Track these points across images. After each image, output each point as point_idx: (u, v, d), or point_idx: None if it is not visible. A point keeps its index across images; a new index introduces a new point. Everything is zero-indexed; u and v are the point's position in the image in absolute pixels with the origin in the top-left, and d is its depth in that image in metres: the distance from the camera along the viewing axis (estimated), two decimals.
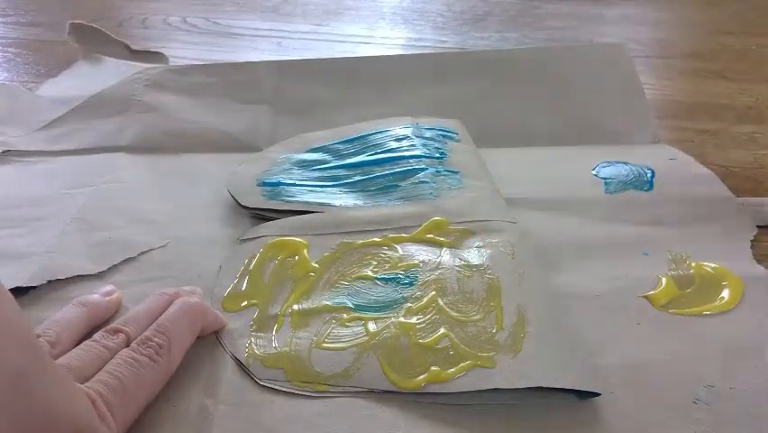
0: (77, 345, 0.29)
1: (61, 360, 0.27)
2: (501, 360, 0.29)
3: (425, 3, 0.87)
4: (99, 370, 0.27)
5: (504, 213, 0.40)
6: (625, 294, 0.35)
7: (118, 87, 0.54)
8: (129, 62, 0.61)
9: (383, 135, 0.47)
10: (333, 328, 0.32)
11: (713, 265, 0.37)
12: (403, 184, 0.42)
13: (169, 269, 0.37)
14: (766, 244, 0.39)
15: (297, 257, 0.37)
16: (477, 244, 0.37)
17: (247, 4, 0.86)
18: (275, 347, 0.31)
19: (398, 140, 0.46)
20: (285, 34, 0.76)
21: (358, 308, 0.33)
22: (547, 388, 0.28)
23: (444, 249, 0.37)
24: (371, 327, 0.32)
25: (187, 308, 0.31)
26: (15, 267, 0.36)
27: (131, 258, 0.38)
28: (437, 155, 0.45)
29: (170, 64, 0.63)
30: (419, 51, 0.70)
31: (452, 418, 0.28)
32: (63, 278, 0.36)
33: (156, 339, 0.28)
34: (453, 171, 0.43)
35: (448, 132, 0.48)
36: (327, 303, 0.34)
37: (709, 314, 0.34)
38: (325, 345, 0.31)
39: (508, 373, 0.28)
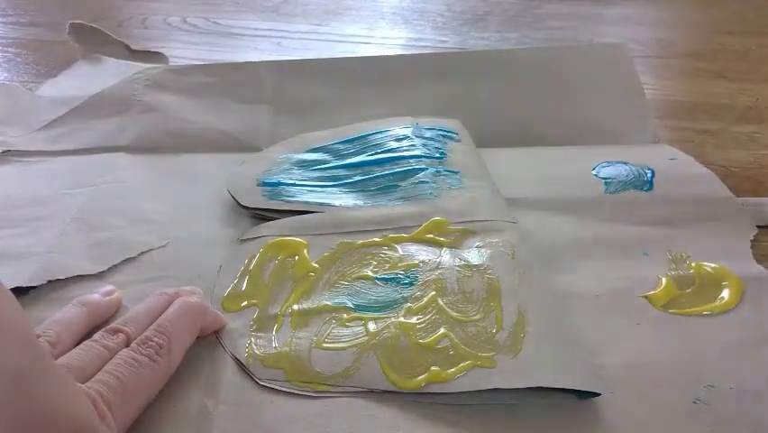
0: (77, 345, 0.29)
1: (61, 360, 0.27)
2: (501, 360, 0.29)
3: (425, 3, 0.87)
4: (99, 370, 0.27)
5: (504, 213, 0.40)
6: (625, 294, 0.35)
7: (118, 87, 0.54)
8: (129, 62, 0.61)
9: (383, 135, 0.47)
10: (333, 328, 0.32)
11: (713, 265, 0.37)
12: (403, 184, 0.42)
13: (168, 269, 0.37)
14: (766, 244, 0.39)
15: (297, 257, 0.37)
16: (477, 244, 0.37)
17: (247, 4, 0.86)
18: (275, 347, 0.31)
19: (398, 140, 0.46)
20: (285, 34, 0.76)
21: (358, 308, 0.33)
22: (547, 388, 0.28)
23: (444, 249, 0.37)
24: (371, 326, 0.32)
25: (187, 308, 0.31)
26: (15, 267, 0.36)
27: (131, 258, 0.38)
28: (437, 155, 0.45)
29: (170, 64, 0.63)
30: (419, 51, 0.70)
31: (452, 418, 0.28)
32: (63, 278, 0.36)
33: (156, 339, 0.28)
34: (453, 171, 0.43)
35: (448, 132, 0.48)
36: (327, 303, 0.34)
37: (709, 314, 0.34)
38: (325, 345, 0.31)
39: (508, 373, 0.28)
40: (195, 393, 0.29)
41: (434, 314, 0.32)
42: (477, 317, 0.32)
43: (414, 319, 0.32)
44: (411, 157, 0.44)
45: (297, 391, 0.29)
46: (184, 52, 0.69)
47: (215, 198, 0.43)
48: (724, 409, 0.28)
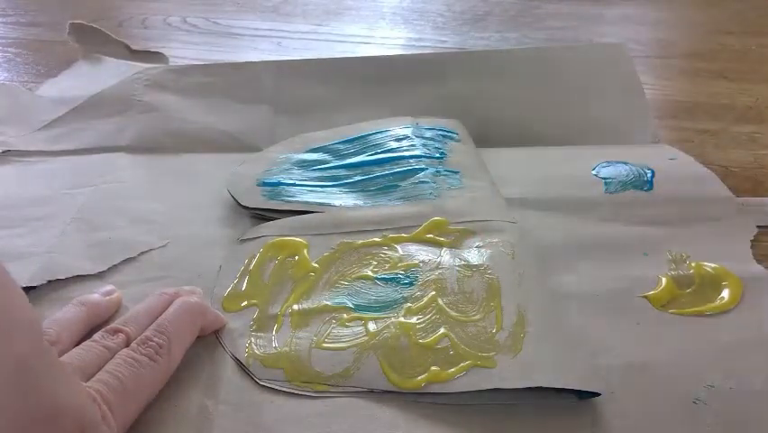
0: (77, 344, 0.29)
1: (62, 359, 0.27)
2: (501, 360, 0.29)
3: (425, 3, 0.87)
4: (99, 370, 0.27)
5: (504, 213, 0.40)
6: (625, 294, 0.35)
7: (118, 87, 0.54)
8: (129, 62, 0.61)
9: (383, 135, 0.47)
10: (333, 328, 0.32)
11: (713, 265, 0.37)
12: (403, 184, 0.42)
13: (168, 269, 0.37)
14: (766, 244, 0.39)
15: (297, 257, 0.37)
16: (477, 243, 0.37)
17: (247, 4, 0.86)
18: (275, 347, 0.31)
19: (398, 140, 0.46)
20: (285, 34, 0.76)
21: (358, 308, 0.33)
22: (547, 388, 0.28)
23: (444, 249, 0.37)
24: (371, 326, 0.32)
25: (187, 308, 0.31)
26: (15, 267, 0.36)
27: (131, 258, 0.38)
28: (437, 155, 0.45)
29: (170, 64, 0.63)
30: (419, 51, 0.70)
31: (452, 418, 0.28)
32: (63, 278, 0.36)
33: (156, 339, 0.28)
34: (453, 171, 0.43)
35: (448, 132, 0.48)
36: (327, 303, 0.34)
37: (709, 314, 0.34)
38: (325, 345, 0.31)
39: (508, 373, 0.28)
40: (195, 393, 0.29)
41: (434, 314, 0.32)
42: (477, 317, 0.32)
43: (414, 319, 0.32)
44: (411, 157, 0.44)
45: (297, 391, 0.29)
46: (184, 52, 0.69)
47: (215, 198, 0.43)
48: (724, 410, 0.28)
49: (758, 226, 0.40)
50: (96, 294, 0.33)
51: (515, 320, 0.31)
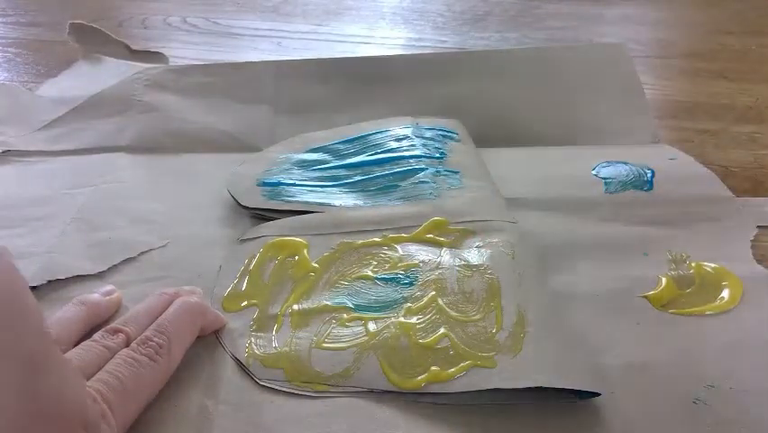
0: (77, 344, 0.29)
1: None
2: (501, 360, 0.29)
3: (425, 3, 0.87)
4: (99, 370, 0.27)
5: (504, 213, 0.40)
6: (625, 294, 0.35)
7: (118, 87, 0.54)
8: (129, 62, 0.61)
9: (383, 135, 0.47)
10: (333, 328, 0.32)
11: (713, 265, 0.37)
12: (403, 184, 0.42)
13: (168, 269, 0.37)
14: (766, 244, 0.39)
15: (297, 257, 0.37)
16: (477, 244, 0.37)
17: (247, 4, 0.86)
18: (275, 347, 0.31)
19: (398, 140, 0.46)
20: (285, 34, 0.76)
21: (358, 308, 0.33)
22: (547, 388, 0.28)
23: (444, 249, 0.37)
24: (371, 327, 0.32)
25: (187, 308, 0.31)
26: None
27: (131, 258, 0.38)
28: (437, 155, 0.45)
29: (170, 64, 0.63)
30: (419, 51, 0.70)
31: (453, 418, 0.28)
32: (63, 278, 0.36)
33: (156, 339, 0.28)
34: (453, 171, 0.43)
35: (448, 132, 0.48)
36: (327, 303, 0.34)
37: (709, 314, 0.34)
38: (325, 345, 0.31)
39: (508, 373, 0.28)
40: (195, 393, 0.29)
41: (434, 314, 0.32)
42: (477, 317, 0.32)
43: (414, 319, 0.32)
44: (411, 157, 0.44)
45: (297, 391, 0.29)
46: (184, 52, 0.69)
47: (215, 198, 0.43)
48: (724, 410, 0.28)
49: (758, 226, 0.40)
50: (96, 294, 0.33)
51: (515, 320, 0.31)
